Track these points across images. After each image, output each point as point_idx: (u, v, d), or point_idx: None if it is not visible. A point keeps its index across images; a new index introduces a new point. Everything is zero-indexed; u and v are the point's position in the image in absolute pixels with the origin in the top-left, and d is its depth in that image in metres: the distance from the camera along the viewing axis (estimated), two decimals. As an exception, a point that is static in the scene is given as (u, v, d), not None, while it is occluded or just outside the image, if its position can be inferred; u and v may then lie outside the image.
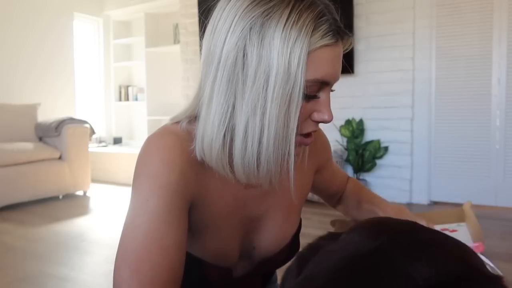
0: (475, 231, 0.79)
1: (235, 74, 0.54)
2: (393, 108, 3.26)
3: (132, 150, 4.46)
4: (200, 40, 0.63)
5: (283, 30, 0.52)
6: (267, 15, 0.53)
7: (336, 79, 0.58)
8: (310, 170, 0.81)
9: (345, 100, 3.41)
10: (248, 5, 0.54)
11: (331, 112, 0.58)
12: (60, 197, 3.71)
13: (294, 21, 0.52)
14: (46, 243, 2.45)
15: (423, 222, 0.71)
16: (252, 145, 0.55)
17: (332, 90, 0.60)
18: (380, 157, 3.28)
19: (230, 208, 0.67)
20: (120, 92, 5.27)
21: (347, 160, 3.35)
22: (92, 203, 3.55)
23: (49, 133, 3.72)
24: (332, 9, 0.56)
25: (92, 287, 1.84)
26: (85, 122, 3.87)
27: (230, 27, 0.54)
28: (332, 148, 3.38)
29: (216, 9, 0.58)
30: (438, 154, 3.17)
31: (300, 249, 0.50)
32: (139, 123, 5.28)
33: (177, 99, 4.70)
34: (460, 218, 0.88)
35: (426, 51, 3.13)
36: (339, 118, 3.40)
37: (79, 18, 5.00)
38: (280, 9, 0.53)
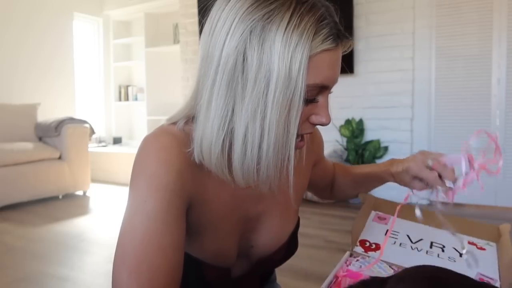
0: (508, 265, 0.69)
1: (235, 78, 0.53)
2: (393, 108, 3.26)
3: (132, 150, 4.47)
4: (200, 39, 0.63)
5: (284, 34, 0.51)
6: (267, 18, 0.52)
7: (335, 83, 0.58)
8: (308, 170, 0.81)
9: (345, 100, 3.41)
10: (248, 7, 0.53)
11: (329, 115, 0.58)
12: (60, 197, 3.71)
13: (295, 25, 0.51)
14: (46, 243, 2.45)
15: (449, 227, 0.67)
16: (251, 150, 0.54)
17: (330, 92, 0.59)
18: (380, 157, 3.28)
19: (228, 207, 0.67)
20: (120, 92, 5.27)
21: (347, 160, 3.35)
22: (92, 203, 3.55)
23: (49, 133, 3.72)
24: (332, 11, 0.56)
25: (92, 287, 1.84)
26: (85, 122, 3.87)
27: (229, 29, 0.53)
28: (332, 148, 3.39)
29: (214, 8, 0.57)
30: (437, 154, 3.17)
31: None
32: (139, 123, 5.28)
33: (177, 99, 4.70)
34: (492, 236, 0.81)
35: (426, 51, 3.13)
36: (339, 118, 3.40)
37: (79, 18, 5.00)
38: (281, 12, 0.52)
